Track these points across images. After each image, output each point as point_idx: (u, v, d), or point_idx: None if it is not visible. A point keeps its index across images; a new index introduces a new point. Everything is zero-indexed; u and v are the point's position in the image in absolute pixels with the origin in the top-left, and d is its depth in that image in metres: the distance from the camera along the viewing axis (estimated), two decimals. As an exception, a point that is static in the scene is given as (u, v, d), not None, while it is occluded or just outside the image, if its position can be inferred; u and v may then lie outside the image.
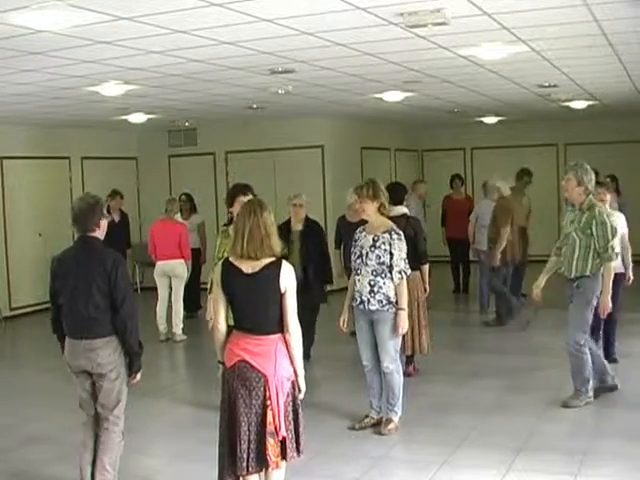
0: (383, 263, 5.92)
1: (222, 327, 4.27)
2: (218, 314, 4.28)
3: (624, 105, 12.82)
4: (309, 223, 8.40)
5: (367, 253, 5.98)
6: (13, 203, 12.31)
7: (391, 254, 5.90)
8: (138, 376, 4.85)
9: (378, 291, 5.94)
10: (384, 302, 5.94)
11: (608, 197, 7.48)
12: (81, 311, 4.65)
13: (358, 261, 6.05)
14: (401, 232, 6.04)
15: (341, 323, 6.21)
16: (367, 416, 6.25)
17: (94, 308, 4.62)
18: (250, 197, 5.95)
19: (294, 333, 4.18)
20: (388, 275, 5.93)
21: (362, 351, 6.20)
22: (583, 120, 15.06)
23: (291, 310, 4.19)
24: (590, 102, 12.18)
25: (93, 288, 4.61)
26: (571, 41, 6.91)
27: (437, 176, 15.82)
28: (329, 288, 8.69)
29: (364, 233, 6.09)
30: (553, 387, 6.95)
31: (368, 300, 5.97)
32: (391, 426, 6.08)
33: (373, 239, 5.98)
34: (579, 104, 12.31)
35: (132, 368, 4.79)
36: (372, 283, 5.95)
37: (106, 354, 4.65)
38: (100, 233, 4.78)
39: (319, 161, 13.71)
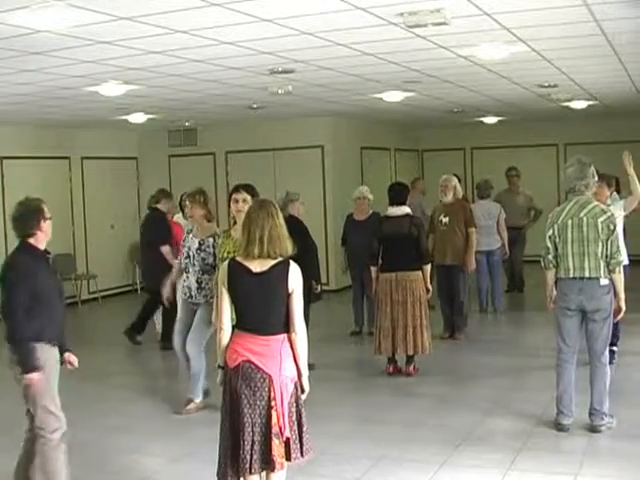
0: (208, 264, 6.62)
1: (227, 327, 4.22)
2: (222, 314, 4.21)
3: (624, 105, 12.82)
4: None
5: (194, 255, 6.69)
6: (13, 203, 12.23)
7: (214, 255, 6.51)
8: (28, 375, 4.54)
9: (204, 287, 6.61)
10: (209, 296, 6.52)
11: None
12: None
13: (186, 261, 6.75)
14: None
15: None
16: (191, 401, 6.71)
17: None
18: (243, 195, 6.05)
19: (300, 333, 4.16)
20: (213, 273, 6.47)
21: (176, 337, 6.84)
22: (583, 120, 15.05)
23: (297, 310, 4.15)
24: (590, 102, 12.18)
25: None
26: (571, 41, 6.91)
27: (437, 176, 15.73)
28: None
29: (191, 236, 6.80)
30: (553, 387, 6.94)
31: (195, 295, 6.67)
32: (190, 406, 6.65)
33: (199, 242, 6.70)
34: (579, 104, 12.30)
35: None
36: (199, 280, 6.64)
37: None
38: (36, 239, 4.94)
39: (319, 161, 13.70)
